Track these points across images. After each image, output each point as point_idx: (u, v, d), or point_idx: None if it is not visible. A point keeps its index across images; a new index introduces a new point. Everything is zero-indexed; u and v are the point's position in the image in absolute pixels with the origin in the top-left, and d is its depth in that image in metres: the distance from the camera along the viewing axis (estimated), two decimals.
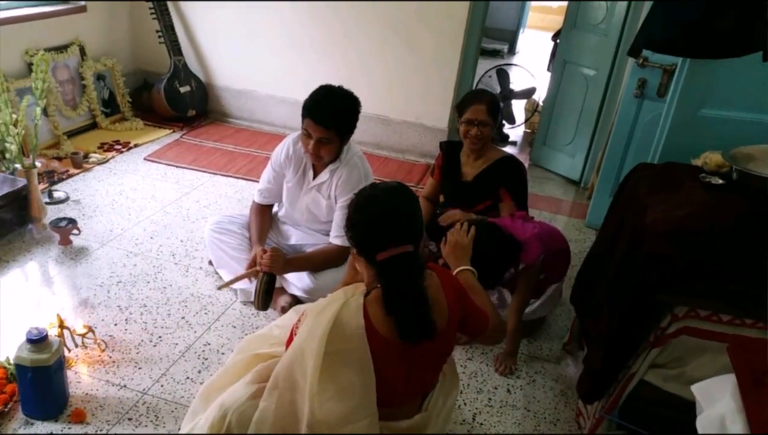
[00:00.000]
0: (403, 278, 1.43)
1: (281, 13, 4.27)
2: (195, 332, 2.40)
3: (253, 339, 1.82)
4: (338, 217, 2.46)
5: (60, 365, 1.89)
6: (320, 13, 4.20)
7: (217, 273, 2.74)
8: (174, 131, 4.36)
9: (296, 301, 2.50)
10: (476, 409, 2.19)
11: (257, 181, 2.74)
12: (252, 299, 2.53)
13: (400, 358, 1.46)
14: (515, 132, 5.12)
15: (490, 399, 2.24)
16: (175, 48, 4.36)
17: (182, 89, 4.42)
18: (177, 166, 3.83)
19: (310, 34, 4.28)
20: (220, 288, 2.53)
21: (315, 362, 1.40)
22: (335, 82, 2.39)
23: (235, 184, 3.71)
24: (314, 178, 2.52)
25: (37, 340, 1.81)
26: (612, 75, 3.90)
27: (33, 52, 3.75)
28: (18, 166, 3.01)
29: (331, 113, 2.28)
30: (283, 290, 2.54)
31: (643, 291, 1.70)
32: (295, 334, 1.50)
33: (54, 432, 1.89)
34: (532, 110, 5.10)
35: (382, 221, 1.47)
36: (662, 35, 2.05)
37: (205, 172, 3.81)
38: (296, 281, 2.50)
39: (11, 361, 2.04)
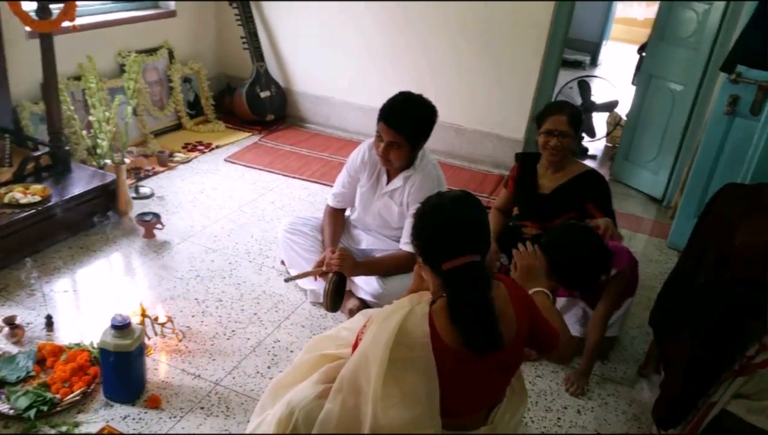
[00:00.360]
0: (469, 288, 1.43)
1: (360, 21, 4.36)
2: (266, 329, 2.48)
3: (320, 339, 1.86)
4: (409, 224, 2.48)
5: (140, 352, 2.01)
6: (397, 20, 4.26)
7: (288, 272, 2.81)
8: (253, 134, 4.52)
9: (364, 305, 2.53)
10: (544, 427, 2.15)
11: (330, 185, 2.81)
12: (321, 300, 2.59)
13: (465, 369, 1.46)
14: (595, 145, 4.99)
15: (559, 419, 2.19)
16: (257, 54, 4.53)
17: (263, 94, 4.58)
18: (254, 168, 3.97)
19: (386, 41, 4.35)
20: (287, 280, 2.59)
21: (379, 368, 1.42)
22: (410, 89, 2.42)
23: (309, 187, 3.81)
24: (387, 183, 2.55)
25: (121, 327, 1.93)
26: (700, 91, 3.74)
27: (125, 54, 3.98)
28: (108, 161, 3.21)
29: (403, 118, 2.32)
30: (351, 293, 2.58)
31: (729, 316, 1.63)
32: (361, 339, 1.53)
33: (131, 415, 2.00)
34: (614, 124, 4.96)
35: (448, 230, 1.46)
36: (762, 50, 1.96)
37: (280, 174, 3.93)
38: (365, 285, 2.54)
39: (95, 345, 2.18)
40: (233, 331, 2.45)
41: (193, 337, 2.38)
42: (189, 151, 4.12)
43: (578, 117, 2.61)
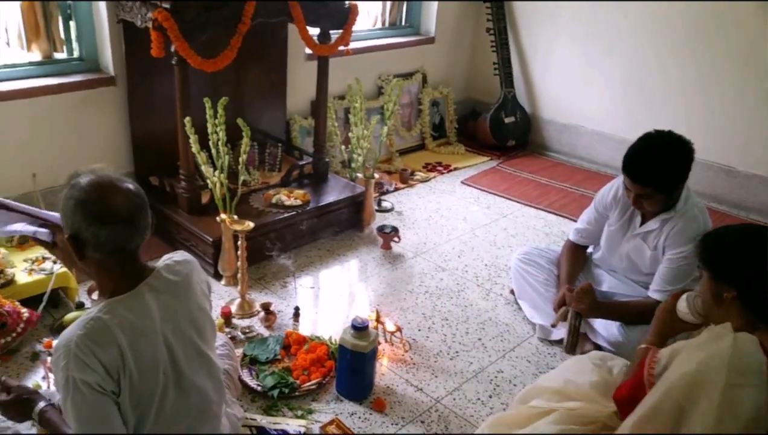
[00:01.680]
0: None
1: (620, 50, 4.18)
2: (489, 356, 2.48)
3: (535, 391, 1.84)
4: (664, 270, 2.28)
5: (373, 355, 2.15)
6: (662, 49, 3.99)
7: (517, 303, 2.79)
8: (492, 159, 4.59)
9: (598, 350, 2.39)
10: None
11: (568, 218, 2.72)
12: (551, 337, 2.52)
13: None
14: None
15: None
16: (507, 80, 4.61)
17: (507, 120, 4.63)
18: (490, 193, 4.02)
19: (648, 71, 4.10)
20: (553, 325, 2.50)
21: (716, 394, 1.37)
22: (673, 123, 2.25)
23: (545, 217, 3.74)
24: (641, 224, 2.39)
25: (360, 328, 2.09)
26: None
27: (384, 78, 4.35)
28: (359, 175, 3.52)
29: (649, 170, 2.15)
30: (586, 336, 2.46)
31: None
32: (653, 372, 1.50)
33: (357, 413, 2.14)
34: None
35: None
36: None
37: (516, 201, 3.92)
38: (602, 330, 2.40)
39: (333, 341, 2.40)
40: (457, 352, 2.49)
41: (418, 350, 2.48)
42: (429, 170, 4.33)
43: None
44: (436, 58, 4.73)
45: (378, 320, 2.46)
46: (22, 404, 1.55)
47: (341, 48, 3.15)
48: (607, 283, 2.56)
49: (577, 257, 2.62)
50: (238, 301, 2.66)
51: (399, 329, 2.48)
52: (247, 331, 2.53)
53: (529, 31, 4.63)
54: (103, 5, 2.82)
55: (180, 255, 1.56)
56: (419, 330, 2.61)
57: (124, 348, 1.33)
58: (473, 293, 2.91)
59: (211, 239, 2.79)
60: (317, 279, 2.97)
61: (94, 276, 1.45)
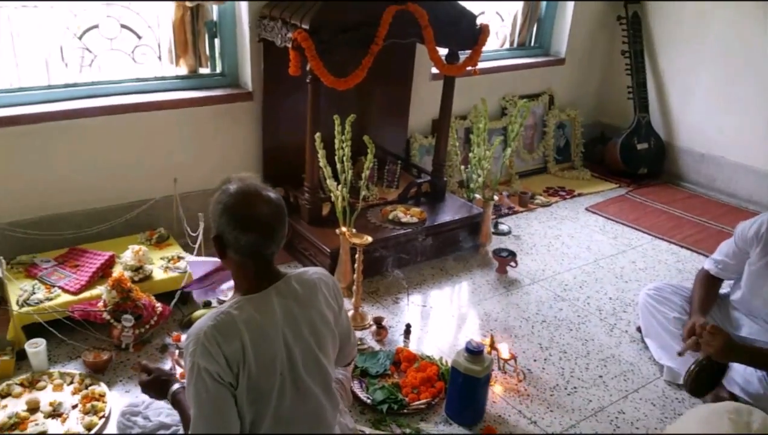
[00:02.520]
0: None
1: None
2: (611, 396, 2.36)
3: None
4: None
5: (487, 380, 2.12)
6: None
7: (643, 341, 2.64)
8: (620, 186, 4.40)
9: (734, 400, 2.21)
10: None
11: (704, 254, 2.57)
12: (679, 381, 2.36)
13: None
14: None
15: None
16: (642, 105, 4.41)
17: (639, 146, 4.43)
18: (617, 222, 3.85)
19: None
20: (680, 354, 2.32)
21: None
22: None
23: (678, 252, 3.52)
24: None
25: (475, 352, 2.07)
26: None
27: (509, 98, 4.32)
28: (477, 196, 3.50)
29: None
30: (719, 383, 2.27)
31: None
32: None
33: None
34: None
35: None
36: None
37: (646, 233, 3.73)
38: (740, 378, 2.21)
39: (445, 362, 2.39)
40: (575, 387, 2.40)
41: (533, 381, 2.41)
42: (550, 195, 4.22)
43: None
44: (565, 79, 4.63)
45: (492, 346, 2.43)
46: (160, 384, 1.71)
47: (468, 68, 3.17)
48: (747, 328, 2.36)
49: (712, 288, 2.44)
50: (351, 312, 2.72)
51: (514, 357, 2.43)
52: (359, 343, 2.58)
53: (667, 54, 4.42)
54: (246, 25, 3.03)
55: (316, 270, 1.67)
56: (534, 360, 2.54)
57: (246, 344, 1.42)
58: (595, 327, 2.80)
59: (329, 250, 2.89)
60: (429, 297, 2.98)
61: (232, 275, 1.58)
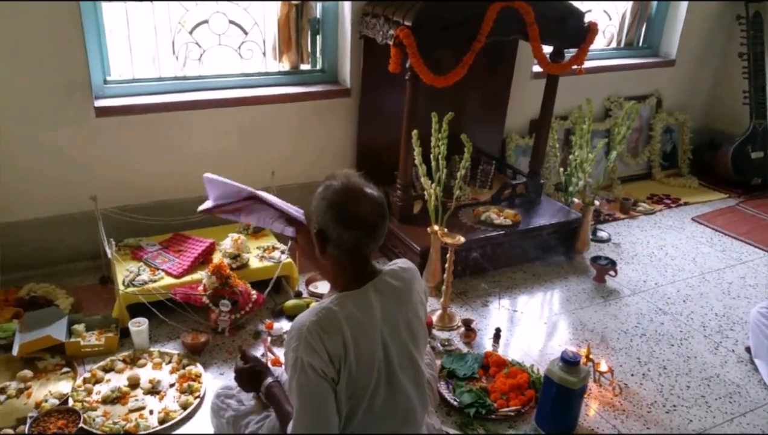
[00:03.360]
0: None
1: None
2: (714, 418, 2.23)
3: None
4: None
5: (581, 392, 2.05)
6: None
7: (752, 362, 2.48)
8: (730, 196, 4.15)
9: None
10: None
11: None
12: None
13: None
14: None
15: None
16: (759, 111, 4.14)
17: (754, 154, 4.16)
18: (726, 234, 3.63)
19: None
20: None
21: None
22: None
23: None
24: None
25: (571, 363, 2.00)
26: None
27: (614, 99, 4.16)
28: (576, 200, 3.40)
29: None
30: None
31: None
32: None
33: None
34: None
35: None
36: None
37: (759, 247, 3.50)
38: None
39: (536, 370, 2.34)
40: (674, 405, 2.28)
41: (629, 396, 2.31)
42: (654, 202, 4.04)
43: None
44: (675, 81, 4.41)
45: (588, 357, 2.35)
46: (254, 375, 1.75)
47: (573, 67, 3.08)
48: None
49: None
50: (439, 312, 2.72)
51: (610, 370, 2.34)
52: (446, 343, 2.58)
53: None
54: (348, 22, 3.09)
55: (405, 262, 1.66)
56: (632, 375, 2.44)
57: (348, 340, 1.43)
58: (699, 344, 2.65)
59: (419, 249, 2.89)
60: (520, 302, 2.92)
61: (329, 270, 1.59)
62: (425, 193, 2.76)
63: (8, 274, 2.79)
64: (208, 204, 2.01)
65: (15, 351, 2.30)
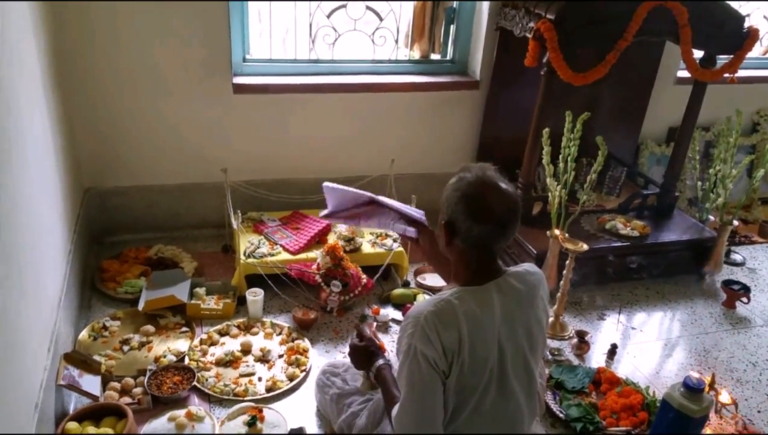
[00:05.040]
0: None
1: None
2: None
3: None
4: None
5: (702, 422, 1.94)
6: None
7: None
8: None
9: None
10: None
11: None
12: None
13: None
14: None
15: None
16: None
17: None
18: None
19: None
20: None
21: None
22: None
23: None
24: None
25: (694, 389, 1.90)
26: None
27: (764, 113, 3.87)
28: (711, 217, 3.19)
29: None
30: None
31: None
32: None
33: None
34: None
35: None
36: None
37: None
38: None
39: (652, 392, 2.24)
40: None
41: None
42: None
43: None
44: None
45: (711, 386, 2.22)
46: (368, 354, 1.81)
47: (725, 75, 2.88)
48: None
49: None
50: (551, 320, 2.66)
51: (734, 402, 2.20)
52: (556, 353, 2.52)
53: None
54: (486, 12, 3.07)
55: (531, 266, 1.64)
56: (759, 411, 2.28)
57: (463, 335, 1.44)
58: None
59: (535, 251, 2.84)
60: (638, 319, 2.80)
61: (453, 263, 1.60)
62: (549, 194, 2.70)
63: (140, 234, 3.05)
64: (328, 211, 2.11)
65: (141, 306, 2.51)
